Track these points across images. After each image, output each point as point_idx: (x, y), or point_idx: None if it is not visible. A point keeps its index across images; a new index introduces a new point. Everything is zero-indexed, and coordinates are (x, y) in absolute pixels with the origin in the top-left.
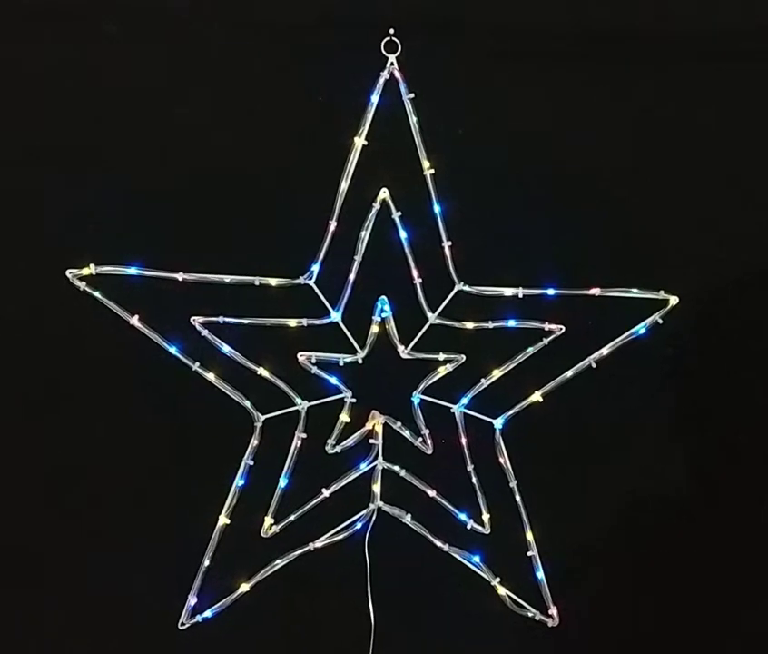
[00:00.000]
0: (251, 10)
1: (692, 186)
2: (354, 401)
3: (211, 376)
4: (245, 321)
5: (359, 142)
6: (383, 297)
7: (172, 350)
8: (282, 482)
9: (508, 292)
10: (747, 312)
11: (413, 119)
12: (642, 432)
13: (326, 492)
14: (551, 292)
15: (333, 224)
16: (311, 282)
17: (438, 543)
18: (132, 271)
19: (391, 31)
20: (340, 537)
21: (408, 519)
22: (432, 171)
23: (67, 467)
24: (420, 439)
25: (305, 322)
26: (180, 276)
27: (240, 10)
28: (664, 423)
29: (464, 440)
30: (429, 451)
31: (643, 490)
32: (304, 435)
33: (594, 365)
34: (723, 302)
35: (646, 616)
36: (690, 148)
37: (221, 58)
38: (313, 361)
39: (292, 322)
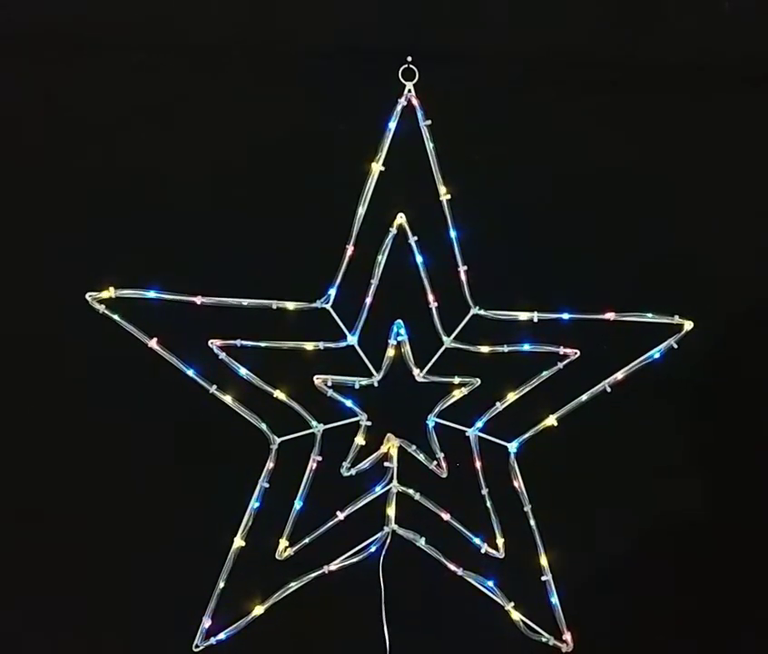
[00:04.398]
0: (270, 37)
1: (705, 211)
2: (369, 424)
3: (228, 398)
4: (262, 344)
5: (377, 167)
6: (399, 321)
7: (190, 372)
8: (297, 505)
9: (523, 316)
10: (762, 336)
11: (430, 145)
12: (656, 457)
13: (341, 515)
14: (566, 316)
15: (350, 249)
16: (328, 306)
17: (452, 567)
18: (151, 294)
19: (409, 59)
20: (355, 560)
21: (422, 542)
22: (448, 196)
23: (83, 487)
24: (435, 462)
25: (321, 345)
26: (198, 300)
27: (259, 37)
28: (679, 448)
29: (478, 464)
30: (444, 475)
31: (657, 516)
32: (319, 458)
33: (608, 389)
34: (738, 326)
35: (661, 641)
36: (704, 172)
37: (240, 85)
38: (329, 384)
39: (309, 346)
